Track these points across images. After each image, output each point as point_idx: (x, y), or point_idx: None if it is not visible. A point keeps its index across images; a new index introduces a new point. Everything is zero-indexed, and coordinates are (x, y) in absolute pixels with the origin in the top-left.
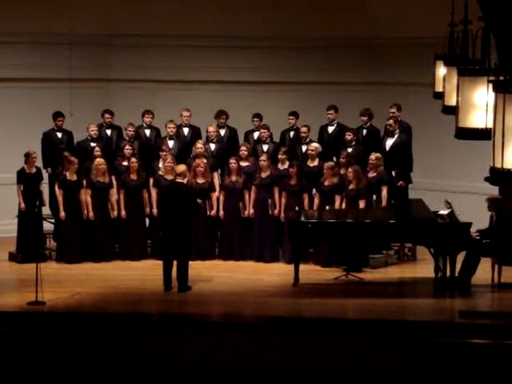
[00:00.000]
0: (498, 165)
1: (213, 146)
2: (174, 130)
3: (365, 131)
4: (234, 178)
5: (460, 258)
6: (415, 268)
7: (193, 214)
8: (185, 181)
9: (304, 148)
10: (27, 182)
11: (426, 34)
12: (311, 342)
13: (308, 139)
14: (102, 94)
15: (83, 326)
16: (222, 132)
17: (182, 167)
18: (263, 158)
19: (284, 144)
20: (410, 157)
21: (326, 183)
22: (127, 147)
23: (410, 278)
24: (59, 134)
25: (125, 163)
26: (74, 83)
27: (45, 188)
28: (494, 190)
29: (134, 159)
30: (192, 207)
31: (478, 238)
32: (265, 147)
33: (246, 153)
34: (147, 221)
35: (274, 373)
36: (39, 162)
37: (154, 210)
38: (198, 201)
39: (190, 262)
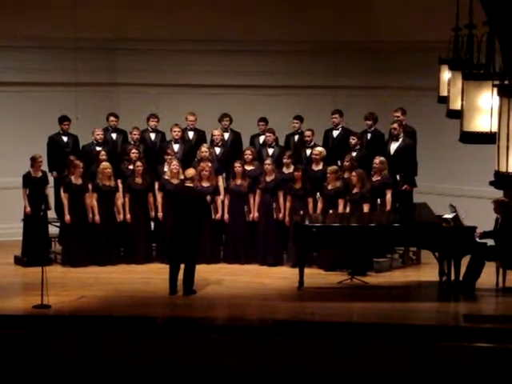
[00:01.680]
0: (503, 169)
1: (218, 150)
2: (180, 133)
3: (369, 135)
4: (238, 182)
5: (464, 262)
6: (420, 272)
7: (203, 216)
8: (193, 185)
9: (308, 152)
10: (33, 185)
11: (431, 38)
12: (315, 346)
13: (312, 143)
14: (107, 98)
15: (88, 329)
16: (226, 135)
17: (191, 171)
18: (268, 161)
19: (288, 148)
20: (414, 161)
21: (330, 187)
22: (133, 151)
23: (415, 282)
24: (65, 138)
25: (131, 167)
26: (79, 87)
27: (50, 192)
28: (499, 194)
29: (139, 163)
30: (202, 210)
31: (481, 238)
32: (270, 151)
33: (250, 157)
34: (152, 224)
35: (277, 376)
36: (45, 166)
37: (160, 214)
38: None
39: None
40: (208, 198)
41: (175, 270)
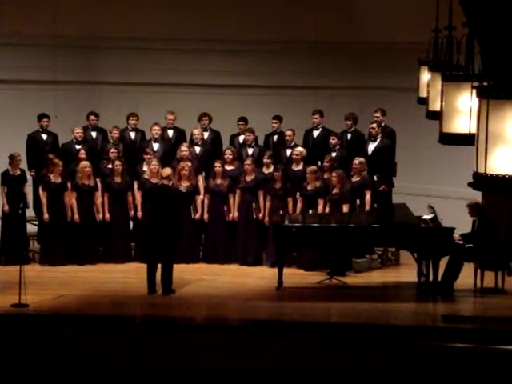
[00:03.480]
0: (482, 170)
1: (197, 149)
2: (159, 132)
3: (349, 135)
4: (218, 182)
5: (443, 262)
6: (398, 272)
7: (181, 209)
8: (170, 183)
9: (288, 152)
10: (11, 183)
11: (411, 39)
12: (294, 346)
13: (293, 143)
14: (87, 96)
15: (66, 328)
16: (206, 135)
17: (167, 170)
18: (248, 161)
19: (268, 148)
20: (392, 161)
21: (309, 187)
22: (112, 150)
23: (394, 283)
24: (44, 136)
25: (110, 166)
26: (59, 85)
27: (29, 190)
28: (477, 196)
29: (118, 162)
30: (180, 207)
31: (461, 242)
32: (250, 151)
33: (230, 156)
34: (131, 224)
35: (256, 376)
36: (24, 164)
37: (139, 213)
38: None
39: (174, 265)
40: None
41: (152, 269)
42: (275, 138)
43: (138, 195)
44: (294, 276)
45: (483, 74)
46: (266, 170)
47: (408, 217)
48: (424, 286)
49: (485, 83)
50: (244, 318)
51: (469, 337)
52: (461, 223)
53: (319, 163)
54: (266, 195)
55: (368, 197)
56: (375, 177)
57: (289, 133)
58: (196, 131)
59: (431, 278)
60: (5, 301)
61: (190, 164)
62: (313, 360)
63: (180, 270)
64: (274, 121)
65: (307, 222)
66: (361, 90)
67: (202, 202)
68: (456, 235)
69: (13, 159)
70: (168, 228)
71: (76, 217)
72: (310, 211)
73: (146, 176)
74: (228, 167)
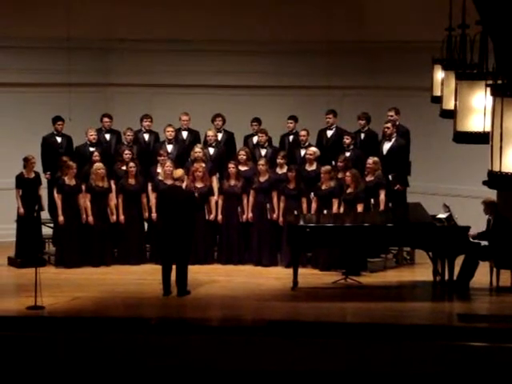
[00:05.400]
0: (496, 168)
1: (211, 150)
2: (173, 134)
3: (363, 135)
4: (232, 183)
5: (458, 261)
6: (414, 272)
7: (194, 213)
8: (183, 185)
9: (303, 152)
10: (26, 186)
11: (424, 38)
12: (310, 346)
13: (307, 143)
14: (101, 98)
15: (82, 330)
16: (220, 136)
17: (179, 172)
18: (261, 162)
19: (283, 148)
20: (407, 160)
21: (323, 187)
22: (126, 152)
23: (409, 282)
24: (59, 139)
25: (124, 168)
26: (73, 88)
27: (44, 193)
28: (492, 194)
29: (132, 164)
30: (192, 209)
31: (476, 238)
32: (263, 151)
33: (244, 157)
34: (146, 225)
35: (272, 376)
36: (39, 167)
37: (153, 215)
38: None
39: (189, 267)
40: (196, 194)
41: (168, 271)
42: (291, 138)
43: (153, 197)
44: (309, 276)
45: (497, 72)
46: (279, 171)
47: (423, 216)
48: (440, 284)
49: (499, 81)
50: (259, 318)
51: (485, 336)
52: (476, 222)
53: (333, 163)
54: (279, 196)
55: (382, 196)
56: (390, 176)
57: (303, 133)
58: (210, 132)
59: (447, 277)
60: (21, 303)
61: (203, 165)
62: (328, 359)
63: (195, 271)
64: (290, 121)
65: (322, 222)
66: (374, 90)
67: (216, 203)
68: (472, 231)
69: (27, 162)
70: (181, 229)
71: (90, 219)
72: (325, 211)
73: (160, 178)
74: (242, 168)
